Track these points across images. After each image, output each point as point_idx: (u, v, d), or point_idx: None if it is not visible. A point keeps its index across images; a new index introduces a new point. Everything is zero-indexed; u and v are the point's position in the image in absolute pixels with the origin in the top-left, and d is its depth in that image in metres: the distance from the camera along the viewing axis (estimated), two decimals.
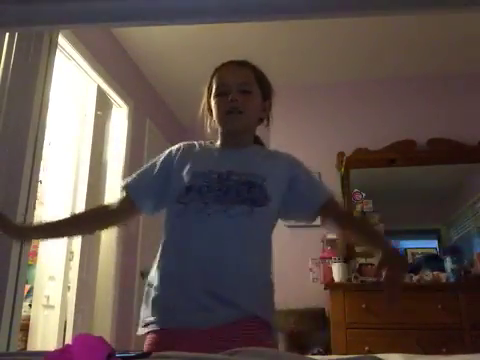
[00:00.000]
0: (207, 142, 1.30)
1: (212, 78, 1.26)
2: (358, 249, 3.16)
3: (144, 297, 1.17)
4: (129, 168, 3.00)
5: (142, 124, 3.31)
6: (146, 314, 1.13)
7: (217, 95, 1.22)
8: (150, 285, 1.16)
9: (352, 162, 3.27)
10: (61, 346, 0.76)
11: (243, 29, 2.78)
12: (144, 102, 3.35)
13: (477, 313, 2.44)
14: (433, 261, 2.91)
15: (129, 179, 1.28)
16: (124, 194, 1.27)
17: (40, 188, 2.19)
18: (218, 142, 1.27)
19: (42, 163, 1.97)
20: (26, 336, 2.37)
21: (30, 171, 1.82)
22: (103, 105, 2.82)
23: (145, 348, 1.10)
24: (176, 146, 1.31)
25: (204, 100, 1.29)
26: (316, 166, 3.32)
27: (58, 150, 2.60)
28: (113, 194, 2.86)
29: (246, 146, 1.25)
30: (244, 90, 1.19)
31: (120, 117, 3.03)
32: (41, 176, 2.07)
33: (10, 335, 1.66)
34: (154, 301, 1.12)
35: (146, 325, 1.12)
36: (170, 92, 3.60)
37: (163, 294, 1.11)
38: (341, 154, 3.32)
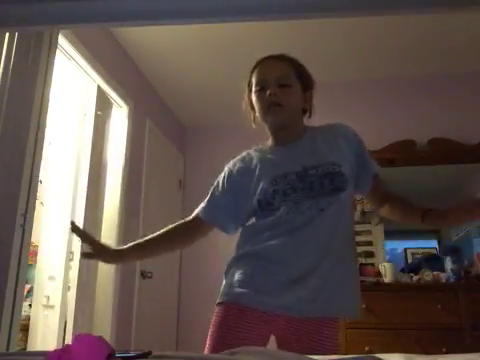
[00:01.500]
0: (259, 147, 1.33)
1: (251, 74, 1.29)
2: (358, 249, 3.17)
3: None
4: (129, 168, 3.01)
5: (142, 124, 3.31)
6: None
7: (257, 90, 1.24)
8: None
9: None
10: (61, 346, 0.76)
11: (243, 29, 2.78)
12: (144, 102, 3.35)
13: (477, 313, 2.44)
14: (433, 261, 2.91)
15: (200, 210, 1.33)
16: (200, 222, 1.33)
17: (40, 188, 2.19)
18: (270, 142, 1.30)
19: (42, 163, 1.97)
20: (26, 336, 2.37)
21: (30, 171, 1.82)
22: (103, 105, 2.83)
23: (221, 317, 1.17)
24: (231, 162, 1.33)
25: (246, 96, 1.32)
26: None
27: (58, 150, 2.60)
28: (113, 194, 2.86)
29: (301, 137, 1.27)
30: (282, 84, 1.22)
31: (120, 117, 3.03)
32: (41, 176, 2.07)
33: (10, 335, 1.65)
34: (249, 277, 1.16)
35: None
36: (170, 92, 3.60)
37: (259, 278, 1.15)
38: None
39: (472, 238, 3.15)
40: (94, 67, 2.59)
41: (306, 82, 1.29)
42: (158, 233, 1.32)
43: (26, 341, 2.37)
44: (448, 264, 2.69)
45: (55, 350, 0.60)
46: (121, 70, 3.02)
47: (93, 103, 2.69)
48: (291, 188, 1.14)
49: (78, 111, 2.64)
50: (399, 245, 3.30)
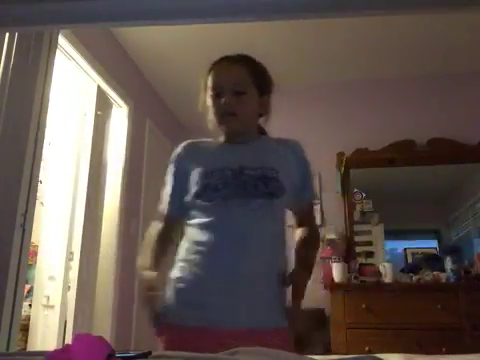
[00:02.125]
0: (211, 139, 1.30)
1: (207, 75, 1.25)
2: (358, 249, 3.17)
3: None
4: (129, 168, 3.00)
5: (142, 124, 3.31)
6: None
7: (212, 96, 1.22)
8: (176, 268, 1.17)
9: (352, 162, 3.27)
10: (61, 346, 0.76)
11: (243, 29, 2.78)
12: (144, 102, 3.35)
13: (477, 313, 2.44)
14: (433, 261, 2.91)
15: (165, 210, 1.27)
16: (169, 221, 1.27)
17: (40, 188, 2.19)
18: (222, 138, 1.27)
19: (42, 163, 1.97)
20: (26, 336, 2.37)
21: (30, 171, 1.82)
22: (103, 105, 2.82)
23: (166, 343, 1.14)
24: (181, 147, 1.30)
25: (202, 96, 1.28)
26: (316, 166, 3.36)
27: (58, 150, 2.60)
28: (113, 194, 2.86)
29: (253, 140, 1.25)
30: (238, 91, 1.19)
31: (120, 117, 3.03)
32: (41, 176, 2.07)
33: (10, 335, 1.65)
34: (178, 293, 1.13)
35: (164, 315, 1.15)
36: (170, 92, 3.60)
37: (188, 289, 1.12)
38: (341, 154, 3.32)
39: (472, 238, 3.15)
40: (94, 67, 2.59)
41: (263, 87, 1.25)
42: (159, 251, 1.24)
43: (26, 341, 2.36)
44: (448, 264, 2.69)
45: (55, 350, 0.60)
46: (121, 70, 3.02)
47: (93, 103, 2.69)
48: (223, 183, 1.13)
49: (78, 111, 2.64)
50: (399, 245, 3.30)
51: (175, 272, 1.16)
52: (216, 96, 1.20)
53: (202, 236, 1.13)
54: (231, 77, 1.20)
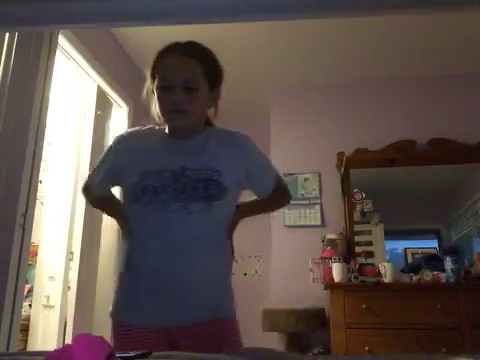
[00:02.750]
0: (155, 127, 1.28)
1: (155, 64, 1.20)
2: (358, 249, 3.17)
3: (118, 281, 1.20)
4: None
5: (142, 124, 3.30)
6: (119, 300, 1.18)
7: (160, 89, 1.16)
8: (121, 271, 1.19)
9: (352, 162, 3.27)
10: (61, 346, 0.76)
11: (243, 29, 2.78)
12: (144, 102, 3.35)
13: (477, 313, 2.44)
14: (433, 261, 2.91)
15: (95, 189, 1.36)
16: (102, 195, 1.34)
17: (40, 188, 2.19)
18: (166, 130, 1.24)
19: (42, 163, 1.97)
20: (26, 336, 2.37)
21: (30, 171, 1.82)
22: (103, 105, 2.82)
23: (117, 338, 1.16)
24: (119, 138, 1.30)
25: (148, 83, 1.24)
26: (316, 166, 3.37)
27: (58, 150, 2.60)
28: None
29: (198, 133, 1.21)
30: (189, 87, 1.13)
31: (120, 117, 3.03)
32: (41, 176, 2.07)
33: (10, 335, 1.66)
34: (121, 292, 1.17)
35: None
36: None
37: (128, 289, 1.15)
38: (341, 154, 3.32)
39: (472, 238, 3.15)
40: (94, 67, 2.59)
41: (214, 81, 1.20)
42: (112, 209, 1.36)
43: (26, 341, 2.36)
44: (448, 264, 2.69)
45: (55, 350, 0.60)
46: (121, 70, 3.02)
47: (93, 103, 2.69)
48: (162, 186, 1.11)
49: (78, 111, 2.64)
50: (399, 245, 3.30)
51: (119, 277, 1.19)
52: (165, 90, 1.14)
53: (140, 242, 1.13)
54: (183, 73, 1.14)
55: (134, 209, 1.14)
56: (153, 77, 1.20)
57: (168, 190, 1.10)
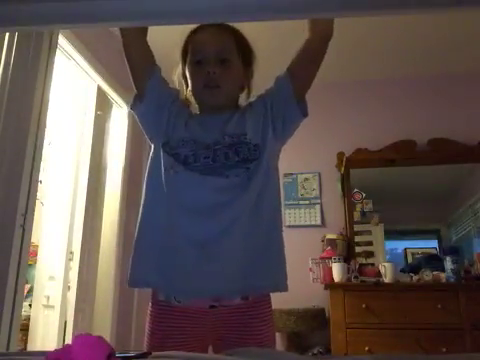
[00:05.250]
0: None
1: (187, 43, 1.17)
2: (358, 249, 3.17)
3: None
4: (129, 168, 3.00)
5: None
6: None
7: (194, 63, 1.12)
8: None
9: (352, 162, 3.27)
10: (61, 346, 0.76)
11: (243, 29, 2.78)
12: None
13: (477, 313, 2.44)
14: (433, 261, 2.91)
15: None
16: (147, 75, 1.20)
17: (40, 188, 2.19)
18: (197, 109, 1.20)
19: (42, 163, 1.97)
20: (26, 336, 2.37)
21: (30, 171, 1.82)
22: (103, 105, 2.82)
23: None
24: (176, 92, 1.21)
25: (178, 69, 1.21)
26: (316, 166, 3.37)
27: (58, 150, 2.60)
28: (113, 194, 2.86)
29: (227, 112, 1.15)
30: (223, 59, 1.10)
31: (120, 117, 3.03)
32: (41, 176, 2.07)
33: (10, 335, 1.65)
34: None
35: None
36: None
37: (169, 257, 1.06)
38: (341, 154, 3.32)
39: (472, 238, 3.16)
40: (94, 67, 2.58)
41: (247, 57, 1.17)
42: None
43: (26, 341, 2.36)
44: (448, 264, 2.69)
45: (55, 350, 0.60)
46: (121, 70, 3.00)
47: (93, 103, 2.69)
48: (193, 156, 1.06)
49: (78, 111, 2.64)
50: (399, 245, 3.30)
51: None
52: (199, 64, 1.11)
53: (175, 209, 1.06)
54: (216, 43, 1.11)
55: (167, 177, 1.08)
56: (184, 58, 1.18)
57: (199, 160, 1.06)
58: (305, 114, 1.15)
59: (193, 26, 1.17)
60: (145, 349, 1.06)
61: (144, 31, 1.20)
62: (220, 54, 1.10)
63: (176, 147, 1.08)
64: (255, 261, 1.04)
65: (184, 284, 1.04)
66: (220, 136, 1.08)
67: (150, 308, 1.16)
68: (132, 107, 1.20)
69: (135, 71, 1.23)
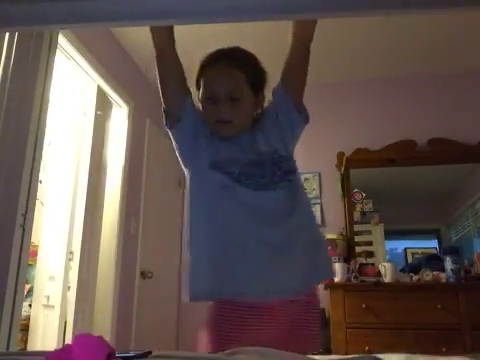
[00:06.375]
0: None
1: (199, 75, 1.21)
2: (358, 249, 3.17)
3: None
4: (129, 168, 3.00)
5: (142, 124, 3.30)
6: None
7: (206, 100, 1.18)
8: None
9: (352, 162, 3.27)
10: (61, 346, 0.76)
11: (243, 29, 2.78)
12: (144, 102, 3.35)
13: (477, 313, 2.44)
14: (433, 261, 2.91)
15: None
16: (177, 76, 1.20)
17: (40, 188, 2.19)
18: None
19: (42, 163, 1.97)
20: (26, 336, 2.37)
21: (30, 171, 1.82)
22: (103, 105, 2.82)
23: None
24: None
25: (196, 92, 1.23)
26: (316, 166, 3.37)
27: (58, 150, 2.60)
28: (113, 194, 2.87)
29: (245, 132, 1.21)
30: (234, 98, 1.15)
31: (120, 117, 3.03)
32: (41, 176, 2.07)
33: (10, 335, 1.66)
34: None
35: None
36: None
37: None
38: (341, 154, 3.32)
39: (472, 238, 3.16)
40: (94, 67, 2.59)
41: (258, 86, 1.22)
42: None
43: (26, 341, 2.37)
44: (448, 264, 2.69)
45: (55, 350, 0.60)
46: (121, 70, 3.02)
47: (93, 103, 2.69)
48: (245, 173, 1.14)
49: (78, 111, 2.64)
50: (399, 245, 3.30)
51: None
52: (210, 101, 1.17)
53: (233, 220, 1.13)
54: (227, 84, 1.16)
55: (222, 193, 1.14)
56: (198, 86, 1.22)
57: (251, 177, 1.14)
58: (307, 121, 1.24)
59: (205, 48, 1.23)
60: (209, 349, 1.11)
61: (173, 41, 1.22)
62: (230, 93, 1.15)
63: (227, 166, 1.15)
64: (312, 257, 1.16)
65: (257, 285, 1.10)
66: (257, 155, 1.17)
67: (218, 309, 1.16)
68: (169, 127, 1.20)
69: (169, 88, 1.21)
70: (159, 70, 1.22)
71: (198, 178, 1.19)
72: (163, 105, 1.21)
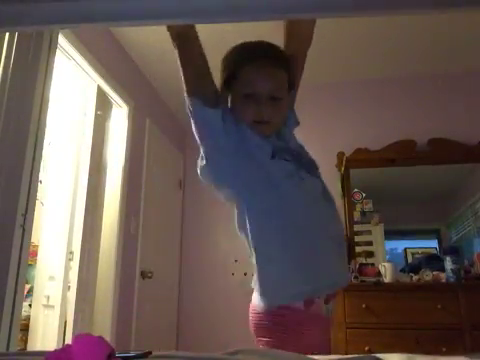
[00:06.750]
0: None
1: (238, 66, 1.13)
2: (358, 249, 3.17)
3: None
4: (129, 168, 3.01)
5: (142, 124, 3.31)
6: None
7: (245, 96, 1.12)
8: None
9: (352, 162, 3.27)
10: (61, 346, 0.76)
11: (243, 29, 2.77)
12: (144, 102, 3.35)
13: (477, 313, 2.44)
14: (433, 261, 2.91)
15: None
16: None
17: (40, 188, 2.19)
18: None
19: (42, 163, 1.97)
20: (26, 336, 2.37)
21: (30, 171, 1.82)
22: (103, 105, 2.82)
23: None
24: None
25: (222, 76, 1.16)
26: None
27: (58, 150, 2.60)
28: (113, 194, 2.87)
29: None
30: (275, 97, 1.12)
31: (120, 117, 3.03)
32: (41, 176, 2.07)
33: (10, 335, 1.65)
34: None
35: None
36: (170, 92, 3.60)
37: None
38: (341, 154, 3.32)
39: (472, 238, 3.16)
40: (94, 67, 2.59)
41: (293, 84, 1.22)
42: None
43: (26, 341, 2.37)
44: (448, 264, 2.69)
45: (55, 350, 0.60)
46: (121, 70, 3.02)
47: (93, 103, 2.69)
48: (295, 164, 1.15)
49: (78, 111, 2.64)
50: (399, 245, 3.30)
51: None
52: (248, 97, 1.11)
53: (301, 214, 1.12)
54: (271, 82, 1.12)
55: (293, 183, 1.12)
56: (228, 78, 1.14)
57: (302, 167, 1.15)
58: (298, 123, 1.31)
59: (216, 64, 1.15)
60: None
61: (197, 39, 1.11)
62: (272, 92, 1.12)
63: (285, 154, 1.14)
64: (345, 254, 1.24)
65: (329, 279, 1.12)
66: (287, 144, 1.20)
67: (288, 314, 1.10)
68: (210, 106, 1.07)
69: (200, 70, 1.12)
70: (184, 55, 1.11)
71: (262, 171, 1.10)
72: (192, 88, 1.10)
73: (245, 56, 1.16)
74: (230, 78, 1.15)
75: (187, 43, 1.08)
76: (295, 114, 1.30)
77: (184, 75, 1.11)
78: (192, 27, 1.07)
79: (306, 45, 1.27)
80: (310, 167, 1.18)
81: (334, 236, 1.14)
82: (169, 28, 1.05)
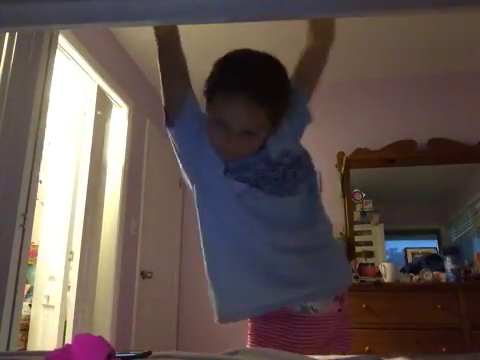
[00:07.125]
0: None
1: (213, 92, 1.02)
2: (358, 249, 3.17)
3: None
4: (129, 168, 3.01)
5: (142, 124, 3.31)
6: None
7: (214, 120, 1.02)
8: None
9: (352, 162, 3.27)
10: (61, 346, 0.76)
11: (244, 29, 2.78)
12: (144, 102, 3.35)
13: (477, 313, 2.44)
14: (433, 261, 2.91)
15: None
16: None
17: (40, 188, 2.19)
18: None
19: (42, 163, 1.97)
20: (26, 336, 2.37)
21: (30, 171, 1.82)
22: (103, 105, 2.82)
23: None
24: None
25: (203, 94, 1.07)
26: (316, 166, 3.36)
27: (58, 150, 2.60)
28: (113, 194, 2.87)
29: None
30: (249, 132, 0.99)
31: (120, 117, 3.03)
32: (41, 176, 2.07)
33: (10, 335, 1.66)
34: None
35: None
36: None
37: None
38: (341, 154, 3.32)
39: (472, 238, 3.16)
40: (94, 67, 2.59)
41: (280, 117, 1.06)
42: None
43: (26, 341, 2.37)
44: (448, 264, 2.69)
45: (55, 350, 0.60)
46: (121, 70, 3.02)
47: (93, 103, 2.69)
48: (262, 178, 1.06)
49: (78, 111, 2.64)
50: (399, 245, 3.30)
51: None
52: (220, 124, 1.00)
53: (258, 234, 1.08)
54: (245, 122, 0.98)
55: (243, 202, 1.05)
56: (206, 90, 1.05)
57: (270, 181, 1.07)
58: (311, 120, 1.24)
59: (214, 57, 1.08)
60: None
61: (177, 31, 1.07)
62: (245, 130, 0.99)
63: (242, 172, 1.05)
64: (336, 260, 1.20)
65: (299, 291, 1.07)
66: (268, 162, 1.09)
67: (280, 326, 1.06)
68: (169, 125, 1.08)
69: (172, 82, 1.09)
70: (163, 63, 1.08)
71: (206, 188, 1.08)
72: (163, 102, 1.09)
73: (222, 79, 1.01)
74: (207, 94, 1.05)
75: (168, 44, 1.07)
76: (302, 116, 1.21)
77: (162, 76, 1.10)
78: (175, 28, 1.05)
79: (329, 42, 1.27)
80: (282, 186, 1.07)
81: (300, 248, 1.08)
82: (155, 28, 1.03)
